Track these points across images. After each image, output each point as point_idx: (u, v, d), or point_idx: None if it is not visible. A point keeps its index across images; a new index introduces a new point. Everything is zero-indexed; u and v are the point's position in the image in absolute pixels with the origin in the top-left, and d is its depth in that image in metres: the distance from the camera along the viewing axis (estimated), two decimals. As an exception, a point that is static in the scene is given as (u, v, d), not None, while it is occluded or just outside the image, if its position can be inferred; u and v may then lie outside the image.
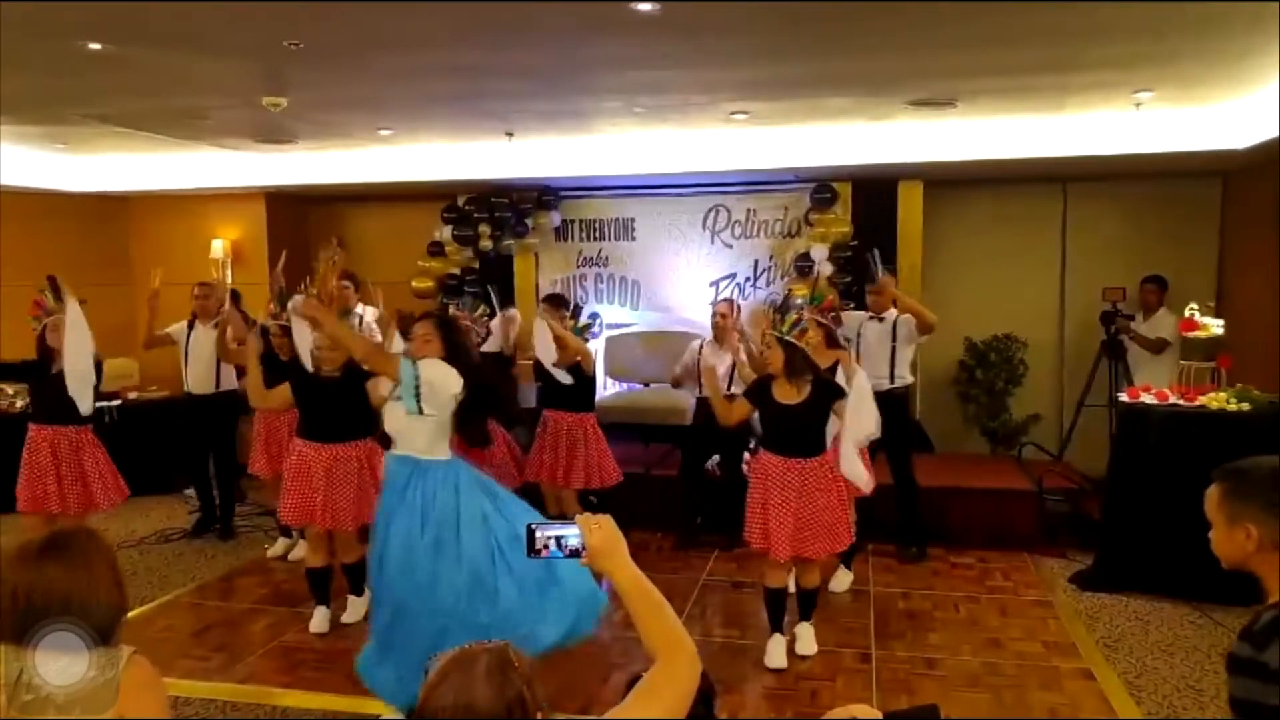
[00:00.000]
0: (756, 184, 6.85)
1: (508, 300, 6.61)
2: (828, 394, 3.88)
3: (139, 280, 7.71)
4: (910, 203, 6.66)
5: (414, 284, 7.31)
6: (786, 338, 3.84)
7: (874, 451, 4.66)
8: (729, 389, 5.08)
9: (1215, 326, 5.12)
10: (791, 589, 4.16)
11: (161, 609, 4.75)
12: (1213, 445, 4.30)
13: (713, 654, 4.04)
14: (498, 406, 4.25)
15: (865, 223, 6.58)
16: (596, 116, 5.33)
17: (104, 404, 6.05)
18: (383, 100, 4.92)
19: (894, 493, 5.22)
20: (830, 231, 6.64)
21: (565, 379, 5.08)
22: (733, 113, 5.15)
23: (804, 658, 4.01)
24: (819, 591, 4.19)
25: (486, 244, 7.19)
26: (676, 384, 5.98)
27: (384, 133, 5.83)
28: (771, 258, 7.02)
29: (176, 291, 5.97)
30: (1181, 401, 4.75)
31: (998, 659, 4.03)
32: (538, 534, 1.51)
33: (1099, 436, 6.09)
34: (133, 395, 7.04)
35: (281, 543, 5.59)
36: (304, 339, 4.21)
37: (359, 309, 5.88)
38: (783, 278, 6.92)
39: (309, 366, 4.22)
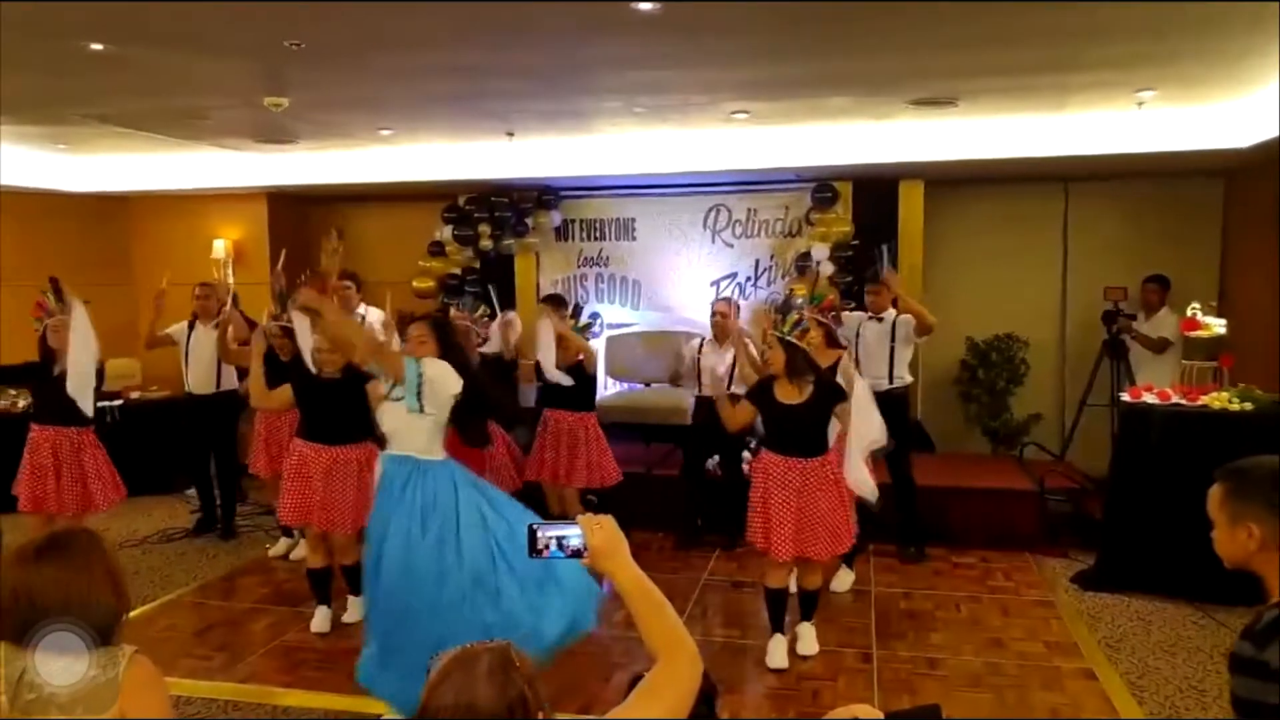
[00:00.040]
0: (757, 183, 6.85)
1: (508, 300, 6.61)
2: (829, 395, 3.88)
3: (140, 280, 7.73)
4: (911, 202, 6.65)
5: (415, 284, 7.32)
6: (788, 338, 3.84)
7: (875, 452, 4.65)
8: (729, 388, 5.08)
9: (1217, 326, 5.11)
10: (793, 589, 4.15)
11: (163, 608, 4.76)
12: (1215, 445, 4.29)
13: (714, 654, 4.03)
14: (491, 409, 4.27)
15: (866, 222, 6.57)
16: (597, 116, 5.33)
17: (106, 404, 6.07)
18: (383, 100, 4.92)
19: (892, 493, 5.22)
20: (831, 231, 6.64)
21: (565, 381, 5.09)
22: (733, 112, 5.15)
23: (805, 658, 4.01)
24: (821, 592, 4.19)
25: (487, 244, 7.20)
26: (675, 380, 5.97)
27: (384, 133, 5.83)
28: (772, 257, 7.02)
29: (177, 292, 5.97)
30: (1183, 401, 4.75)
31: (999, 659, 4.03)
32: (539, 534, 1.50)
33: (1101, 436, 6.09)
34: (134, 395, 7.05)
35: (283, 542, 5.59)
36: (306, 339, 4.21)
37: (361, 309, 5.88)
38: (783, 277, 6.92)
39: (312, 367, 4.22)
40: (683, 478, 5.86)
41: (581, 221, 7.38)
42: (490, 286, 6.11)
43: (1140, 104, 4.86)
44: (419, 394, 3.29)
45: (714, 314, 5.61)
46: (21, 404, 6.27)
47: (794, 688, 3.78)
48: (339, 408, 4.15)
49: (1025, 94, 4.76)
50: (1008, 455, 6.65)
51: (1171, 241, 6.56)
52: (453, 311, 5.62)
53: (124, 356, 7.08)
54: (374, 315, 5.92)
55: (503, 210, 7.10)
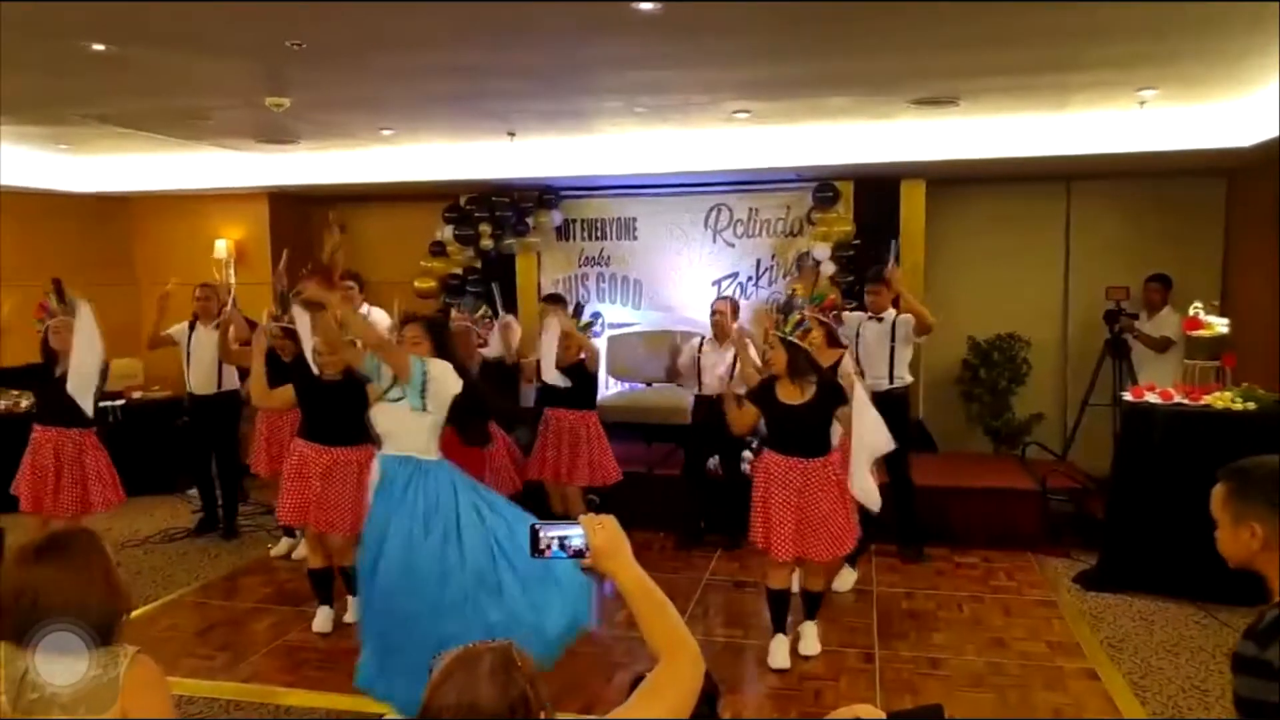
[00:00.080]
0: (758, 183, 6.85)
1: (510, 300, 6.61)
2: (831, 396, 3.87)
3: (142, 280, 7.74)
4: (913, 202, 6.65)
5: (416, 284, 7.32)
6: (790, 338, 3.83)
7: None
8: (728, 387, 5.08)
9: (1220, 325, 5.11)
10: (795, 589, 4.15)
11: (165, 608, 4.76)
12: (1217, 444, 4.28)
13: (715, 654, 4.03)
14: (488, 410, 4.27)
15: (867, 222, 6.57)
16: (597, 116, 5.33)
17: (108, 404, 6.07)
18: (383, 100, 4.92)
19: (891, 493, 5.21)
20: (832, 230, 6.64)
21: (562, 383, 5.10)
22: (734, 112, 5.15)
23: (807, 658, 4.00)
24: (824, 594, 4.19)
25: (488, 244, 7.20)
26: (671, 377, 5.94)
27: (386, 133, 5.83)
28: (774, 257, 7.02)
29: (179, 291, 5.97)
30: (1186, 401, 4.74)
31: (1002, 659, 4.03)
32: (541, 534, 1.50)
33: (1103, 436, 6.08)
34: (136, 395, 7.05)
35: (285, 542, 5.60)
36: (309, 337, 4.21)
37: (364, 309, 5.88)
38: (785, 277, 6.91)
39: (314, 368, 4.21)
40: (684, 478, 5.86)
41: (583, 221, 7.38)
42: (494, 285, 6.09)
43: (1142, 103, 4.85)
44: (423, 393, 3.29)
45: (713, 313, 5.60)
46: (24, 404, 6.28)
47: (796, 688, 3.77)
48: (340, 409, 4.15)
49: (1026, 93, 4.75)
50: (1010, 455, 6.65)
51: (1174, 241, 6.55)
52: (454, 312, 5.63)
53: (126, 356, 7.08)
54: (376, 315, 5.92)
55: (503, 210, 7.10)
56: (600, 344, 6.68)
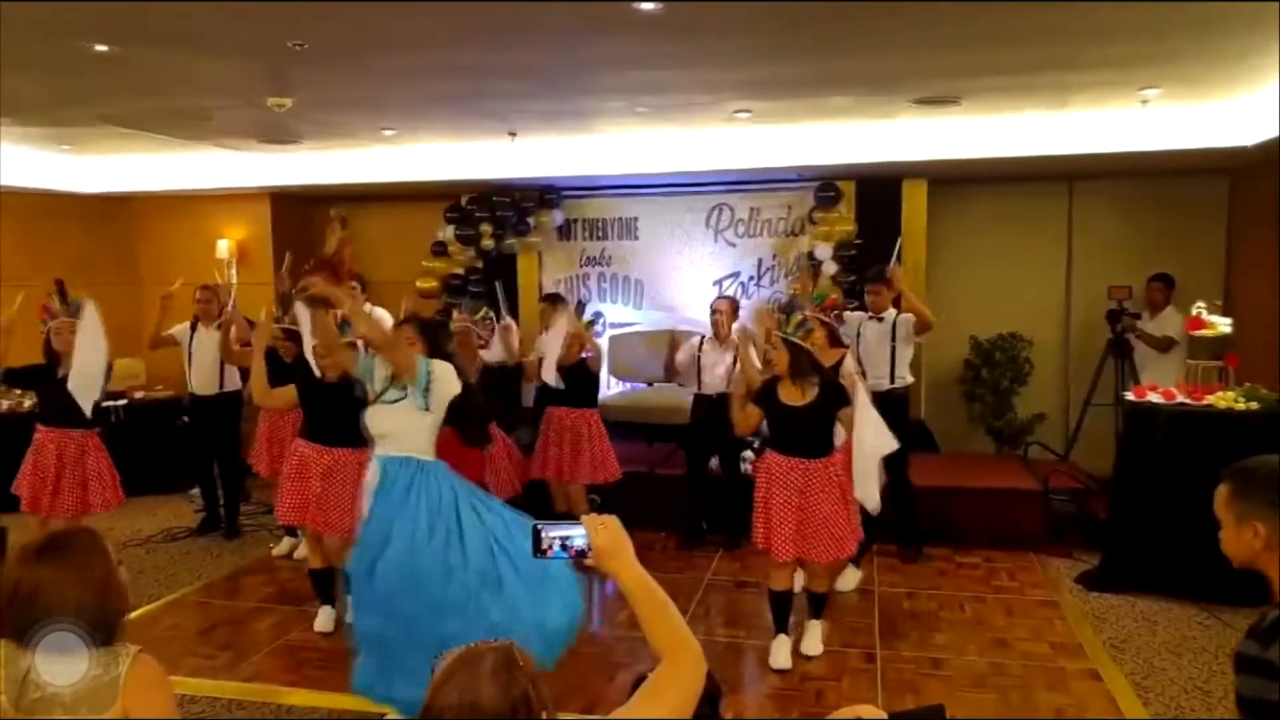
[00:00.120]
0: (760, 183, 6.85)
1: (512, 299, 6.61)
2: (834, 397, 3.86)
3: (144, 281, 7.74)
4: (914, 201, 6.64)
5: (418, 284, 7.32)
6: (792, 339, 3.83)
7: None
8: (727, 387, 5.08)
9: (1223, 325, 5.09)
10: (797, 589, 4.15)
11: (168, 607, 4.77)
12: (1220, 444, 4.28)
13: (717, 654, 4.03)
14: (486, 413, 4.27)
15: (869, 222, 6.56)
16: (598, 116, 5.33)
17: (111, 403, 6.08)
18: (384, 100, 4.92)
19: (890, 493, 5.20)
20: (834, 230, 6.63)
21: (557, 385, 5.11)
22: (736, 112, 5.15)
23: (809, 658, 4.00)
24: (829, 594, 4.18)
25: (489, 243, 7.20)
26: (671, 375, 5.92)
27: (387, 133, 5.84)
28: (775, 257, 7.01)
29: (181, 292, 5.97)
30: (1189, 400, 4.73)
31: (1004, 659, 4.02)
32: (544, 535, 1.50)
33: (1105, 436, 6.07)
34: (139, 395, 7.06)
35: (287, 541, 5.60)
36: (310, 339, 4.21)
37: (366, 309, 5.87)
38: (786, 277, 6.91)
39: (315, 369, 4.21)
40: (688, 480, 5.85)
41: (584, 221, 7.38)
42: (497, 284, 6.08)
43: (1145, 102, 4.85)
44: (427, 392, 3.30)
45: (713, 311, 5.60)
46: (27, 404, 6.29)
47: (797, 688, 3.77)
48: (342, 410, 4.15)
49: (1027, 93, 4.75)
50: (1012, 455, 6.64)
51: (1176, 240, 6.54)
52: (454, 313, 5.62)
53: (128, 356, 7.09)
54: (379, 315, 5.91)
55: (505, 210, 7.10)
56: (601, 344, 6.69)
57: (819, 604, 4.09)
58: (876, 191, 6.60)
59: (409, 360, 3.34)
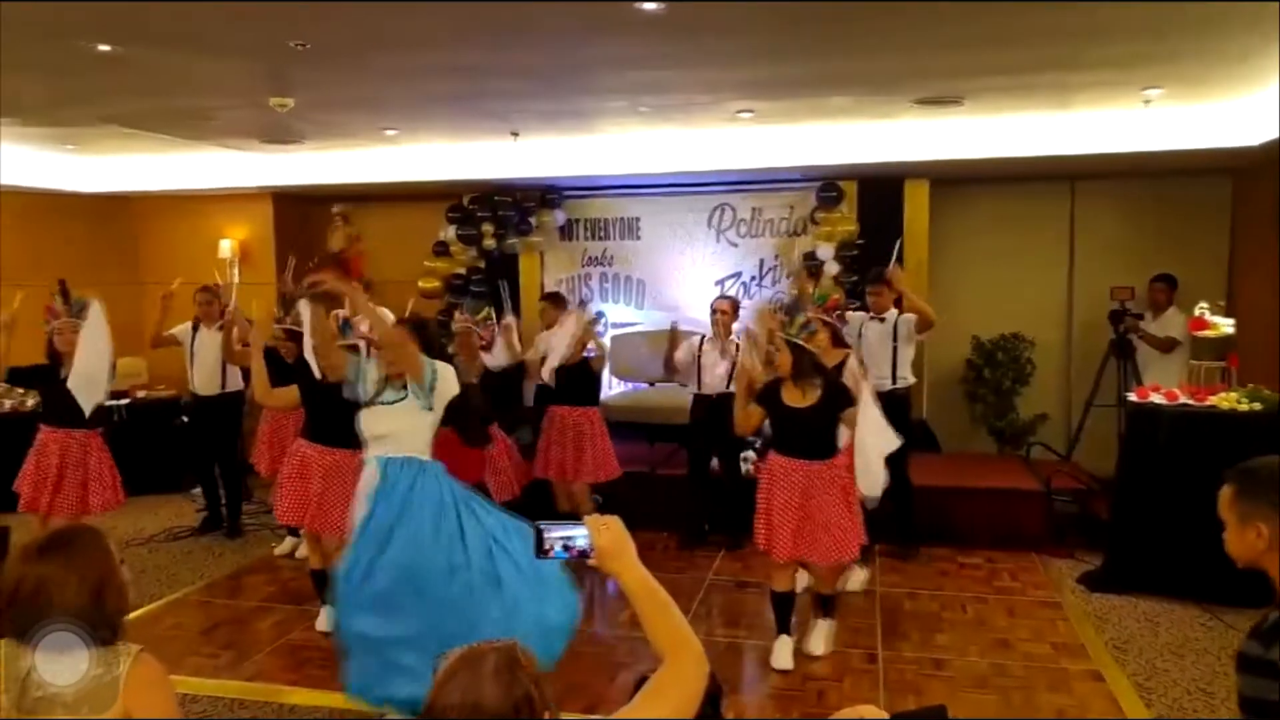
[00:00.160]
0: (762, 183, 6.85)
1: (513, 299, 6.61)
2: (837, 399, 3.85)
3: (146, 280, 7.75)
4: (916, 201, 6.64)
5: (420, 284, 7.32)
6: (795, 340, 3.82)
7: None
8: (727, 387, 5.07)
9: (1225, 325, 5.09)
10: (799, 589, 4.14)
11: (169, 607, 4.77)
12: (1223, 445, 4.27)
13: (719, 654, 4.02)
14: (487, 413, 4.27)
15: (871, 222, 6.56)
16: (599, 116, 5.33)
17: (113, 403, 6.08)
18: (384, 100, 4.93)
19: (889, 492, 5.19)
20: (836, 230, 6.63)
21: (552, 382, 5.11)
22: (737, 112, 5.15)
23: (812, 657, 3.99)
24: (836, 594, 4.17)
25: (490, 243, 7.20)
26: (669, 370, 5.86)
27: (389, 133, 5.84)
28: (777, 256, 7.01)
29: (182, 291, 5.98)
30: (1191, 401, 4.72)
31: (1006, 660, 4.02)
32: (546, 535, 1.49)
33: (1107, 436, 6.06)
34: (141, 394, 7.07)
35: (288, 541, 5.60)
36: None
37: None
38: (788, 277, 6.90)
39: (316, 370, 4.21)
40: (689, 479, 5.84)
41: (586, 221, 7.38)
42: (501, 283, 6.08)
43: (1147, 102, 4.84)
44: (431, 391, 3.30)
45: (714, 311, 5.60)
46: (30, 402, 6.30)
47: (799, 688, 3.77)
48: (344, 411, 4.14)
49: (1028, 93, 4.75)
50: (1014, 455, 6.63)
51: (1178, 240, 6.53)
52: (456, 314, 5.62)
53: (130, 356, 7.10)
54: (381, 314, 5.90)
55: (506, 210, 7.10)
56: (605, 343, 6.69)
57: (828, 604, 4.09)
58: (878, 191, 6.60)
59: (416, 360, 3.33)
